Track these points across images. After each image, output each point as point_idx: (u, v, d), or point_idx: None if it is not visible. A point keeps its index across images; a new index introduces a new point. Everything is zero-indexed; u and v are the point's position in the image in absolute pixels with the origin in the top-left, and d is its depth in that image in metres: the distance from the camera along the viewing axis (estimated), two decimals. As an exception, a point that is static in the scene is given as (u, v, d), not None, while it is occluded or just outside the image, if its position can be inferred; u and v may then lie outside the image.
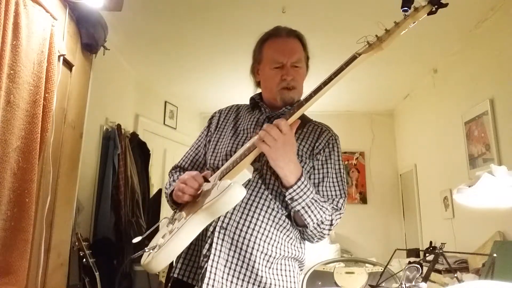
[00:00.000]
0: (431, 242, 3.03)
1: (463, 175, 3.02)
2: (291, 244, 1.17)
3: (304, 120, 1.14)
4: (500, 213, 2.13)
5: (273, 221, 1.13)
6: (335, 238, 4.82)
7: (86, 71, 2.08)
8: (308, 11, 2.80)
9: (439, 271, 2.61)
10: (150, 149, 3.77)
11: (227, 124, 1.34)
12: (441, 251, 1.82)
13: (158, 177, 4.27)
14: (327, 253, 4.33)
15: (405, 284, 1.41)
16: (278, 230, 1.14)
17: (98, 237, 2.94)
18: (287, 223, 1.16)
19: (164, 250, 1.01)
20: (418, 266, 1.44)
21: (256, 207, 1.12)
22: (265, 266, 1.10)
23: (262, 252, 1.10)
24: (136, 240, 1.10)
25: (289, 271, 1.15)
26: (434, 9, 0.89)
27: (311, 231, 1.14)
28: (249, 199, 1.12)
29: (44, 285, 1.70)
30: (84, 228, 2.92)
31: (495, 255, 1.89)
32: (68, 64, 1.89)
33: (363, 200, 4.99)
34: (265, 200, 1.13)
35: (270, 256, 1.11)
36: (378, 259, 3.49)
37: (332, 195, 1.19)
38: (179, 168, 1.37)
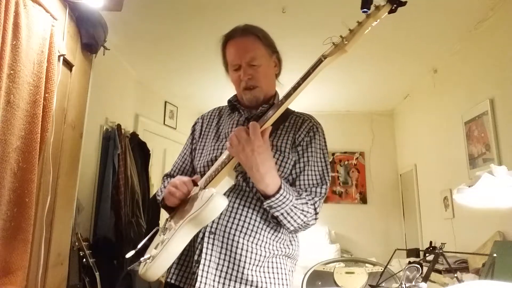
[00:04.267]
0: (431, 242, 3.02)
1: (463, 175, 3.02)
2: (279, 242, 1.18)
3: (286, 113, 1.13)
4: (500, 213, 2.13)
5: (260, 222, 1.14)
6: (335, 238, 4.82)
7: (86, 71, 2.08)
8: (308, 11, 2.80)
9: (439, 271, 2.61)
10: (150, 149, 3.78)
11: (210, 130, 1.35)
12: (441, 251, 1.82)
13: (158, 177, 4.27)
14: (327, 253, 4.33)
15: (405, 284, 1.41)
16: (265, 230, 1.15)
17: (98, 237, 2.94)
18: (274, 223, 1.16)
19: (157, 261, 1.07)
20: (418, 266, 1.44)
21: (243, 210, 1.14)
22: (254, 265, 1.11)
23: (251, 252, 1.11)
24: (129, 255, 1.14)
25: (280, 268, 1.17)
26: (394, 8, 0.90)
27: (293, 230, 1.14)
28: (234, 202, 1.14)
29: (44, 285, 1.70)
30: (84, 228, 2.92)
31: (495, 255, 1.89)
32: (68, 64, 1.88)
33: (363, 200, 4.99)
34: (250, 203, 1.15)
35: (260, 255, 1.13)
36: (378, 259, 3.49)
37: (314, 184, 1.17)
38: (170, 177, 1.39)
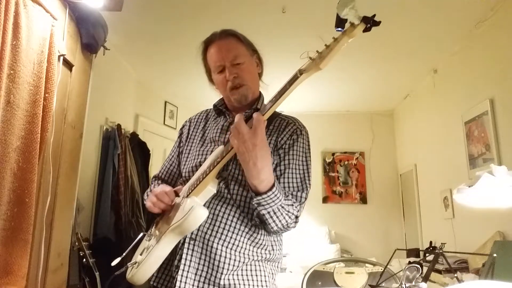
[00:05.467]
0: (431, 242, 3.03)
1: (463, 175, 3.02)
2: (260, 248, 1.18)
3: (271, 116, 1.11)
4: (500, 213, 2.13)
5: (239, 229, 1.15)
6: (335, 238, 4.82)
7: (86, 71, 2.08)
8: (308, 11, 2.80)
9: (439, 271, 2.61)
10: (150, 149, 3.78)
11: (196, 134, 1.36)
12: (441, 251, 1.82)
13: (158, 177, 4.27)
14: (327, 253, 4.34)
15: (405, 284, 1.41)
16: (244, 237, 1.16)
17: (98, 237, 2.94)
18: (254, 231, 1.17)
19: (143, 267, 1.12)
20: (418, 266, 1.44)
21: (222, 217, 1.15)
22: (233, 271, 1.12)
23: (230, 259, 1.13)
24: (114, 262, 1.16)
25: (259, 271, 1.17)
26: (368, 26, 0.90)
27: (275, 230, 1.15)
28: (215, 209, 1.15)
29: (44, 285, 1.70)
30: (84, 228, 2.92)
31: (495, 255, 1.89)
32: (68, 64, 1.88)
33: (363, 200, 4.99)
34: (231, 210, 1.16)
35: (239, 261, 1.14)
36: (378, 259, 3.49)
37: (294, 188, 1.17)
38: (158, 179, 1.41)
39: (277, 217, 1.09)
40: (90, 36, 2.00)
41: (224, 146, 1.13)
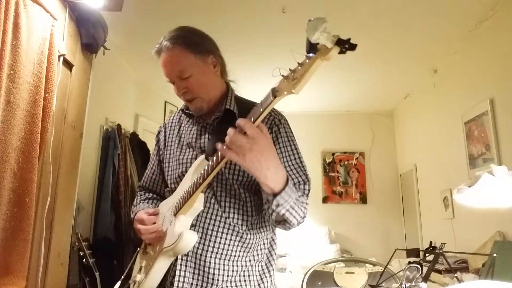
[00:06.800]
0: (431, 242, 3.03)
1: (463, 175, 3.02)
2: (250, 253, 1.18)
3: (247, 111, 1.03)
4: (500, 213, 2.13)
5: (230, 239, 1.15)
6: (335, 238, 4.82)
7: (86, 71, 2.08)
8: (308, 11, 2.80)
9: (439, 271, 2.61)
10: (150, 149, 3.77)
11: (173, 139, 1.33)
12: (441, 251, 1.82)
13: (158, 177, 4.27)
14: (327, 253, 4.34)
15: (405, 284, 1.42)
16: (236, 246, 1.15)
17: (98, 237, 2.94)
18: (245, 238, 1.17)
19: (143, 287, 1.16)
20: (418, 266, 1.44)
21: (212, 230, 1.15)
22: (225, 281, 1.13)
23: (223, 270, 1.13)
24: (116, 286, 1.19)
25: (252, 276, 1.18)
26: (343, 49, 0.82)
27: (295, 226, 1.12)
28: (204, 222, 1.15)
29: (44, 285, 1.70)
30: (84, 228, 2.92)
31: (495, 255, 1.89)
32: (68, 64, 1.88)
33: (363, 200, 4.99)
34: (220, 221, 1.15)
35: (232, 271, 1.14)
36: (378, 259, 3.49)
37: (295, 182, 1.13)
38: (143, 189, 1.41)
39: (295, 211, 1.05)
40: (90, 36, 2.00)
41: (208, 161, 1.06)
